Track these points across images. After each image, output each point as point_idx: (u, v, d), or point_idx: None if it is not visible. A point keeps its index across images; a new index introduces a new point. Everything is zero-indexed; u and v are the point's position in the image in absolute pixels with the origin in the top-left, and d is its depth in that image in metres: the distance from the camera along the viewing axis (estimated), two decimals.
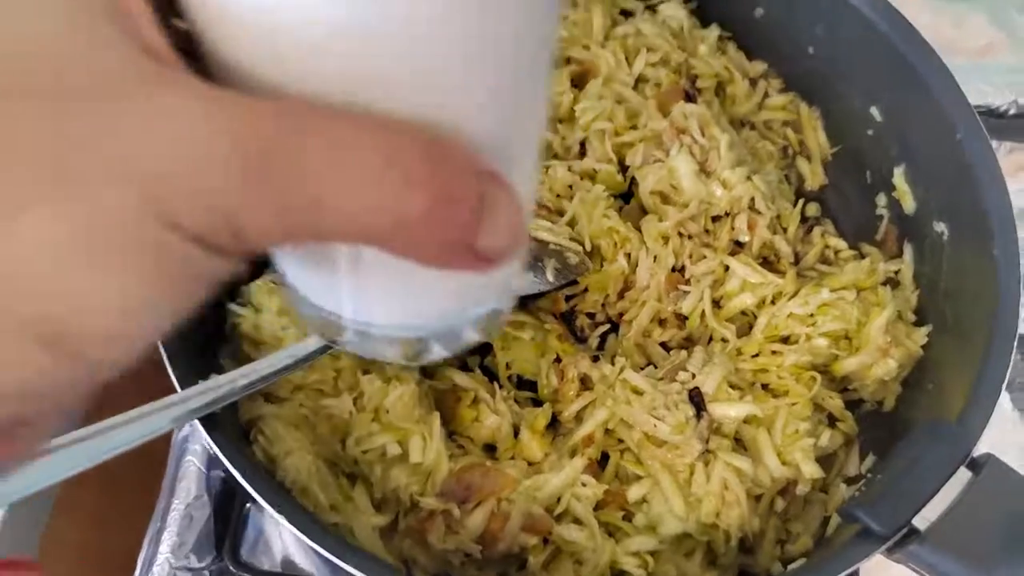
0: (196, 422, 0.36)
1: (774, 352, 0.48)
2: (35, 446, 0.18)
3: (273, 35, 0.17)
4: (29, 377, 0.16)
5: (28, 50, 0.16)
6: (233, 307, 0.45)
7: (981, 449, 0.38)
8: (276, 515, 0.36)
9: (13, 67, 0.16)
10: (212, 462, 0.52)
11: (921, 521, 0.35)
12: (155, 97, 0.16)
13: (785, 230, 0.53)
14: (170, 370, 0.39)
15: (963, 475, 0.36)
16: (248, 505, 0.52)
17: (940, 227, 0.48)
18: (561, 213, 0.51)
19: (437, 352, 0.29)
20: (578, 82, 0.56)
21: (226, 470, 0.50)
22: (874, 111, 0.52)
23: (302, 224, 0.17)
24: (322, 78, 0.18)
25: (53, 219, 0.15)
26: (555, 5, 0.21)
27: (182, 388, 0.38)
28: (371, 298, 0.27)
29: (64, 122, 0.16)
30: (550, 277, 0.47)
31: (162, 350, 0.39)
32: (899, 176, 0.51)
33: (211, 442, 0.37)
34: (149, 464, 0.52)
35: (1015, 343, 0.40)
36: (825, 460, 0.47)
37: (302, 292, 0.28)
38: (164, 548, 0.49)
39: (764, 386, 0.48)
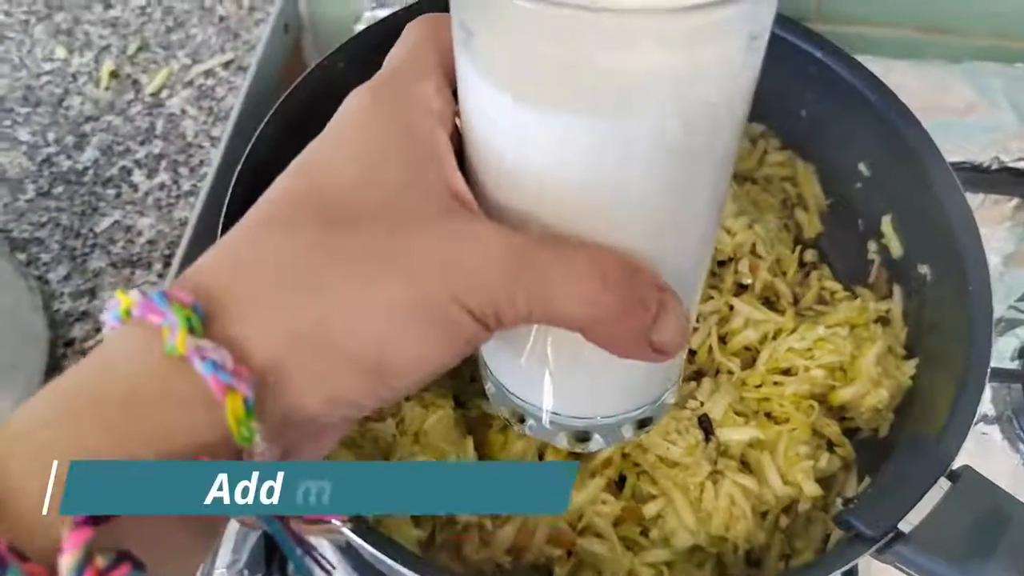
0: None
1: (776, 383, 0.53)
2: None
3: (538, 193, 0.27)
4: (354, 393, 0.24)
5: (384, 193, 0.26)
6: None
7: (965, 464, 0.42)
8: (334, 519, 0.41)
9: (376, 203, 0.25)
10: None
11: (906, 525, 0.39)
12: (458, 224, 0.26)
13: (785, 274, 0.58)
14: None
15: (943, 484, 0.40)
16: None
17: (924, 269, 0.53)
18: None
19: (596, 442, 0.39)
20: None
21: None
22: (862, 167, 0.57)
23: (538, 313, 0.25)
24: (558, 219, 0.27)
25: (391, 295, 0.24)
26: (729, 175, 0.30)
27: None
28: (557, 393, 0.36)
29: (402, 236, 0.25)
30: None
31: None
32: (886, 224, 0.56)
33: None
34: None
35: (989, 368, 0.44)
36: (825, 482, 0.51)
37: (504, 382, 0.37)
38: (220, 563, 0.53)
39: (767, 414, 0.53)
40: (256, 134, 0.49)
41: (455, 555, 0.48)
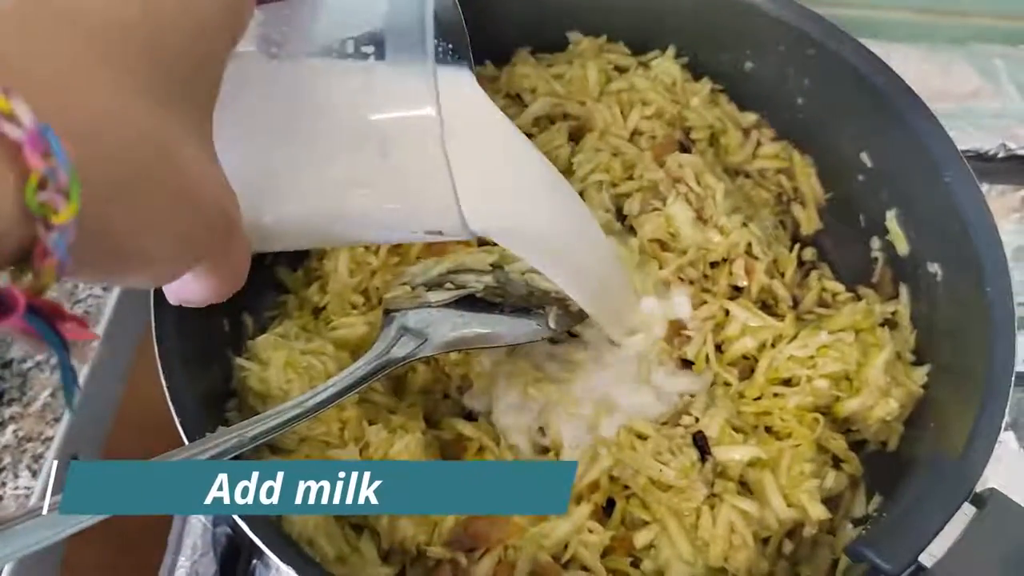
0: None
1: (776, 395, 0.48)
2: None
3: None
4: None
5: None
6: (240, 361, 0.46)
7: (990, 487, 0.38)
8: (284, 566, 0.36)
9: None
10: (217, 518, 0.52)
11: (928, 558, 0.35)
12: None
13: (783, 275, 0.54)
14: (179, 424, 0.39)
15: (967, 510, 0.36)
16: (254, 562, 0.51)
17: (934, 268, 0.49)
18: None
19: None
20: (575, 136, 0.58)
21: (232, 526, 0.51)
22: (864, 157, 0.53)
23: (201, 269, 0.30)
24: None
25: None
26: None
27: (190, 442, 0.38)
28: None
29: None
30: (552, 324, 0.48)
31: (171, 406, 0.40)
32: (891, 219, 0.52)
33: None
34: (155, 521, 0.52)
35: (1013, 379, 0.40)
36: (831, 502, 0.47)
37: None
38: None
39: (767, 429, 0.48)
40: None
41: None
